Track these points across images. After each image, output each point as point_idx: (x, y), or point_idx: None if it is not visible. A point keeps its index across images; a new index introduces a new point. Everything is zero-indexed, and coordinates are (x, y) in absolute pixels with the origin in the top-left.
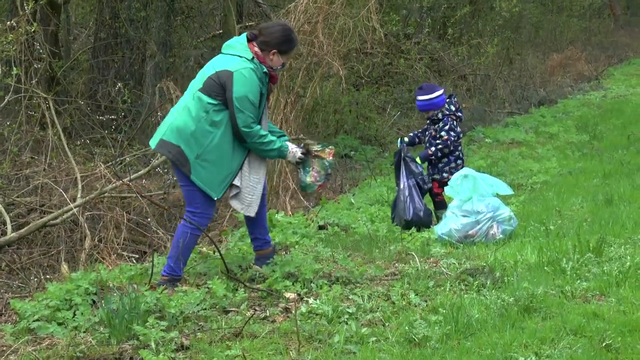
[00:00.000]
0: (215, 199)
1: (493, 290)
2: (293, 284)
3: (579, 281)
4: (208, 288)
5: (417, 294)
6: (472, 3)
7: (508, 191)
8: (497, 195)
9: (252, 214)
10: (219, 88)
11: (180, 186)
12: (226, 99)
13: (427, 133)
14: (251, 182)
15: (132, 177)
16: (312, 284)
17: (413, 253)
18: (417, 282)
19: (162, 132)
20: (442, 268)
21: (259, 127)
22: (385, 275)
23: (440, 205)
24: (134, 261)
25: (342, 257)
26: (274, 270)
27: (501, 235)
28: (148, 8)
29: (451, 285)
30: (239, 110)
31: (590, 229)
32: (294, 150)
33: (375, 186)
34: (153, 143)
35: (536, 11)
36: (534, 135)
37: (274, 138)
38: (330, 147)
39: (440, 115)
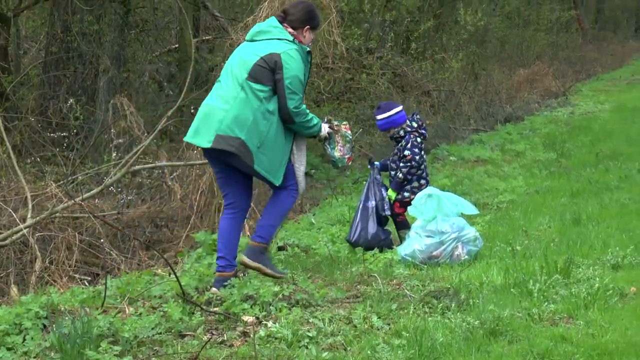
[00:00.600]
0: (277, 185)
1: (458, 313)
2: (251, 307)
3: (546, 303)
4: (163, 311)
5: (379, 317)
6: (436, 17)
7: (473, 211)
8: (462, 215)
9: (302, 190)
10: (269, 73)
11: (256, 175)
12: (275, 84)
13: (392, 154)
14: (296, 164)
15: (84, 196)
16: (271, 307)
17: (375, 275)
18: (379, 305)
19: (215, 127)
20: (406, 290)
21: (304, 106)
22: (347, 298)
23: (402, 225)
24: (86, 284)
25: (303, 279)
26: (231, 293)
27: (466, 256)
28: (101, 21)
29: (415, 308)
30: (292, 92)
31: (557, 249)
32: (324, 126)
33: (336, 206)
34: (203, 141)
35: (502, 25)
36: (499, 153)
37: (313, 115)
38: (344, 122)
39: (402, 133)
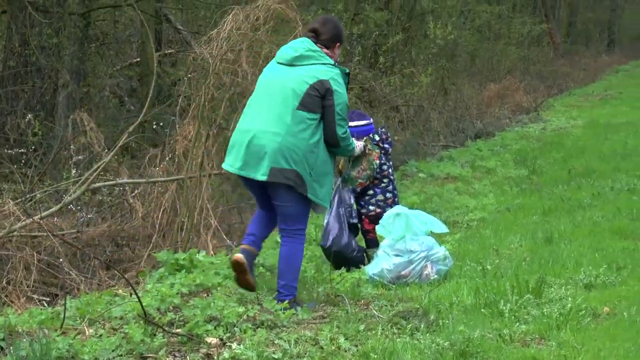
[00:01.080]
0: (327, 207)
1: (427, 334)
2: (215, 328)
3: (517, 324)
4: (124, 333)
5: (347, 339)
6: (405, 30)
7: (443, 229)
8: (432, 234)
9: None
10: (319, 100)
11: (283, 206)
12: (324, 110)
13: None
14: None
15: (43, 214)
16: (235, 328)
17: (343, 295)
18: (347, 326)
19: (269, 159)
20: (374, 311)
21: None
22: (313, 319)
23: (372, 243)
24: (45, 304)
25: (268, 299)
26: (194, 314)
27: (436, 276)
28: (60, 34)
29: (383, 329)
30: (342, 119)
31: (529, 268)
32: (359, 145)
33: None
34: (257, 174)
35: (472, 39)
36: (470, 169)
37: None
38: (377, 149)
39: None
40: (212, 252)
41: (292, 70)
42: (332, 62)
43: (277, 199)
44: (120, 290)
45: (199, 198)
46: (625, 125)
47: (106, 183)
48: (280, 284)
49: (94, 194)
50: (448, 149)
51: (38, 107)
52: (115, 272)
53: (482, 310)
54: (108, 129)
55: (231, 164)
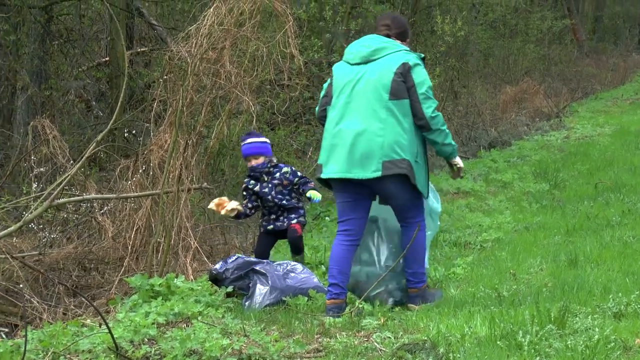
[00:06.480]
0: (426, 197)
1: None
2: None
3: (538, 358)
4: None
5: None
6: (409, 26)
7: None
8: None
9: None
10: (404, 85)
11: (396, 201)
12: (409, 94)
13: (269, 187)
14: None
15: (0, 234)
16: None
17: (340, 325)
18: None
19: (377, 155)
20: (375, 343)
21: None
22: (307, 352)
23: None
24: (3, 336)
25: (255, 330)
26: (172, 347)
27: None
28: (19, 30)
29: None
30: (427, 98)
31: (551, 295)
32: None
33: None
34: (367, 172)
35: (485, 35)
36: (483, 183)
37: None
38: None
39: (275, 161)
40: (191, 277)
41: (372, 65)
42: (406, 48)
43: (388, 196)
44: (88, 320)
45: (177, 216)
46: None
47: (71, 199)
48: (408, 272)
49: (58, 211)
50: None
51: None
52: (83, 299)
53: (498, 342)
54: (73, 138)
55: (336, 170)
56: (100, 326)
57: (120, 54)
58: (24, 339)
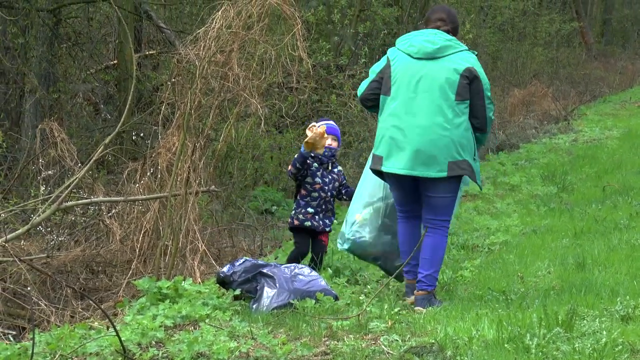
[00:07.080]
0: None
1: None
2: None
3: None
4: None
5: None
6: (417, 29)
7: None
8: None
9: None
10: (468, 87)
11: (437, 198)
12: (472, 95)
13: (329, 181)
14: None
15: (8, 237)
16: None
17: (348, 328)
18: None
19: (443, 154)
20: (383, 346)
21: None
22: (315, 355)
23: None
24: (11, 339)
25: (263, 333)
26: (180, 350)
27: None
28: (27, 34)
29: None
30: (492, 102)
31: (558, 298)
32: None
33: None
34: (432, 171)
35: (493, 38)
36: (491, 186)
37: None
38: None
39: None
40: (199, 280)
41: (437, 63)
42: (467, 47)
43: (433, 192)
44: (95, 323)
45: (185, 219)
46: None
47: (79, 202)
48: (422, 274)
49: (66, 214)
50: None
51: (2, 116)
52: (90, 302)
53: (506, 345)
54: (81, 140)
55: (400, 167)
56: (107, 329)
57: (128, 57)
58: (31, 341)
